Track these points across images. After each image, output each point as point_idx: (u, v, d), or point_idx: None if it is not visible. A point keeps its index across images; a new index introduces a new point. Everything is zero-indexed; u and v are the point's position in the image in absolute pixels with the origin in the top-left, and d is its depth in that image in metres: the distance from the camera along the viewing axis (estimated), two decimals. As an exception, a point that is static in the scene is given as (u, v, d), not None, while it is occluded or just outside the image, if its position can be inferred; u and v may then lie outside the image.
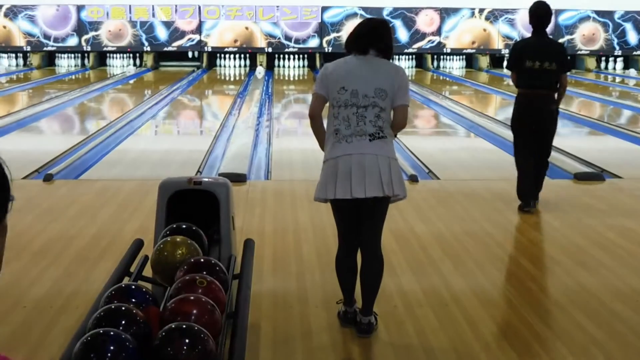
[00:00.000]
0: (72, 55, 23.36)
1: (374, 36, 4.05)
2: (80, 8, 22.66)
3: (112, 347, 2.52)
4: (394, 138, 4.08)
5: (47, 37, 22.77)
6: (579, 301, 4.62)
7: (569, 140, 11.33)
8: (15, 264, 5.22)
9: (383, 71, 4.00)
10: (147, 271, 3.54)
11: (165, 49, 22.92)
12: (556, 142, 10.24)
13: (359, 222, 4.06)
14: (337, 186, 3.88)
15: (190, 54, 23.43)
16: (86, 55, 23.32)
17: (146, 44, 22.86)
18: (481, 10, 23.32)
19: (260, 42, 22.96)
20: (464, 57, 23.95)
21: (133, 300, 2.95)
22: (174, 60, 23.69)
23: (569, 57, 6.95)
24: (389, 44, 4.11)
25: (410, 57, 23.78)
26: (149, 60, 23.15)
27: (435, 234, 5.99)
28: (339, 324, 4.25)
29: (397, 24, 23.10)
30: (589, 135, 11.83)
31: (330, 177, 3.92)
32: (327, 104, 4.09)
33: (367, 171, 3.85)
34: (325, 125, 4.10)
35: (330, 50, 22.94)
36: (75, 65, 23.33)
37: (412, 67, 23.71)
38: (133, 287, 3.07)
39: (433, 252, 5.53)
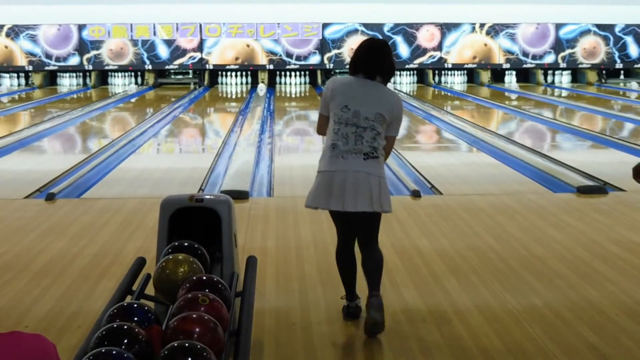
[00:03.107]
0: (74, 74, 23.43)
1: (380, 64, 4.31)
2: (81, 27, 22.74)
3: (114, 367, 2.50)
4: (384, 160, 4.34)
5: (48, 56, 22.84)
6: (584, 316, 4.60)
7: (572, 153, 11.34)
8: (16, 283, 5.21)
9: (386, 100, 4.26)
10: (150, 289, 3.52)
11: (167, 67, 22.98)
12: (558, 155, 10.36)
13: (355, 226, 4.34)
14: (331, 199, 4.20)
15: (191, 74, 23.49)
16: (88, 74, 23.40)
17: (147, 62, 22.92)
18: (482, 25, 23.37)
19: (262, 60, 23.02)
20: (465, 72, 24.00)
21: (135, 319, 2.93)
22: (171, 76, 23.74)
23: None
24: (392, 66, 4.38)
25: (412, 72, 23.84)
26: (150, 78, 23.22)
27: (438, 250, 5.97)
28: (342, 340, 4.23)
29: (398, 39, 23.17)
30: (592, 148, 11.81)
31: (324, 189, 4.24)
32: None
33: (359, 188, 4.15)
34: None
35: (331, 67, 23.01)
36: (77, 85, 23.39)
37: (413, 82, 23.77)
38: (135, 305, 3.05)
39: (436, 268, 5.51)
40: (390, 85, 22.82)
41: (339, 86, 4.31)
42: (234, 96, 21.58)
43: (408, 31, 23.27)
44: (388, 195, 4.26)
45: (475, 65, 23.71)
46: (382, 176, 4.25)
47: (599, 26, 23.65)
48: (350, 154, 4.18)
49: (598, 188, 8.12)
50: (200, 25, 22.82)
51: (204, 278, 3.31)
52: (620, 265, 5.58)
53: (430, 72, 23.84)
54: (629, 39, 23.85)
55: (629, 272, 5.45)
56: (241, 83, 23.32)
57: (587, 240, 6.25)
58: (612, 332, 4.35)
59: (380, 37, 22.86)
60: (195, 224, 4.13)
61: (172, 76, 23.58)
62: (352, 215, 4.22)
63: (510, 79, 24.06)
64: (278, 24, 22.88)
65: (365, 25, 23.02)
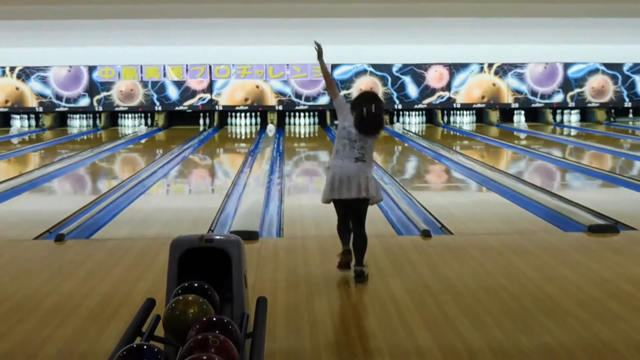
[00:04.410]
0: (84, 115, 23.59)
1: (370, 104, 6.16)
2: (91, 69, 22.94)
3: (123, 409, 2.47)
4: (372, 162, 6.22)
5: (59, 97, 23.02)
6: (597, 355, 4.55)
7: (582, 192, 11.30)
8: (26, 324, 5.19)
9: None
10: (159, 331, 3.50)
11: (177, 108, 23.12)
12: (569, 194, 10.32)
13: (348, 210, 6.18)
14: (334, 192, 6.08)
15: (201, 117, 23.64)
16: (98, 115, 23.54)
17: (157, 103, 23.06)
18: (490, 65, 23.47)
19: (271, 100, 23.14)
20: (474, 111, 24.06)
21: (145, 360, 2.91)
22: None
23: None
24: (381, 107, 6.23)
25: (421, 112, 23.90)
26: (160, 119, 23.32)
27: (449, 289, 5.92)
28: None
29: (407, 80, 23.28)
30: (602, 187, 11.78)
31: (329, 185, 6.11)
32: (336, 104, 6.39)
33: (351, 182, 6.03)
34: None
35: (340, 107, 23.05)
36: (87, 126, 23.53)
37: (422, 122, 23.82)
38: (145, 347, 3.03)
39: (448, 308, 5.47)
40: (399, 125, 22.88)
41: (345, 113, 6.22)
42: (243, 137, 21.65)
43: (417, 71, 23.39)
44: (375, 187, 6.14)
45: (484, 105, 23.77)
46: (370, 175, 6.12)
47: (607, 65, 23.72)
48: (346, 157, 6.07)
49: (609, 227, 8.07)
50: (210, 67, 22.99)
51: (214, 319, 3.29)
52: (633, 304, 5.53)
53: (439, 112, 23.89)
54: (638, 78, 23.90)
55: (642, 311, 5.39)
56: (250, 124, 23.42)
57: (599, 279, 6.20)
58: (627, 373, 4.30)
59: (389, 77, 23.05)
60: (205, 265, 4.12)
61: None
62: (346, 202, 6.08)
63: (519, 119, 24.09)
64: (287, 65, 23.03)
65: (374, 65, 23.15)
